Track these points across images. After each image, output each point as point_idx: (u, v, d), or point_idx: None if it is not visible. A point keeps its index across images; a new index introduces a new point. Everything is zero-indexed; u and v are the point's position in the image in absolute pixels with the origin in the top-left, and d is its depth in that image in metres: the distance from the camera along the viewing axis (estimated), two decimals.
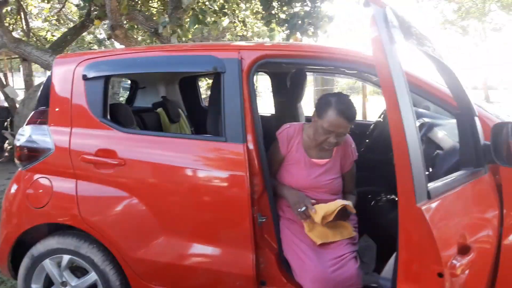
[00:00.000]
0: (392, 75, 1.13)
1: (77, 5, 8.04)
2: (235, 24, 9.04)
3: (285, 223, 2.00)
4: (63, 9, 10.34)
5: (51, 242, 2.18)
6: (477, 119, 1.65)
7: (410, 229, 1.25)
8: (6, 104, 8.16)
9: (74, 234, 2.16)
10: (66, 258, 2.16)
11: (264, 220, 1.94)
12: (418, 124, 2.44)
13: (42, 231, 2.24)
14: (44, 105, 2.23)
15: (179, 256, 2.03)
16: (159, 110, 3.26)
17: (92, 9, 6.20)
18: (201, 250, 2.02)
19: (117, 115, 2.35)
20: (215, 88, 2.11)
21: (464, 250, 1.36)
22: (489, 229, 1.61)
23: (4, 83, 8.53)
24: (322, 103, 1.89)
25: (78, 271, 2.24)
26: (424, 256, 1.27)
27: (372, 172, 2.69)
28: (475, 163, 1.64)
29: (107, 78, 2.15)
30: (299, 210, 1.88)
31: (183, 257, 2.03)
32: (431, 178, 1.56)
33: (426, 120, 2.43)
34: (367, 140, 3.10)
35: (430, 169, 2.09)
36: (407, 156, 1.16)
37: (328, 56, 1.99)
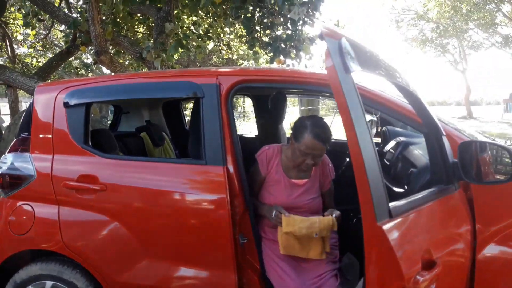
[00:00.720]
0: (347, 102, 1.21)
1: (61, 31, 8.10)
2: (220, 48, 9.19)
3: (266, 244, 2.03)
4: (49, 35, 10.40)
5: (34, 269, 2.17)
6: (445, 138, 1.72)
7: (373, 247, 1.30)
8: None
9: (57, 260, 2.16)
10: (49, 284, 2.15)
11: (245, 241, 1.97)
12: (394, 143, 2.52)
13: (25, 257, 2.23)
14: (25, 132, 2.25)
15: (162, 279, 2.04)
16: (143, 134, 3.29)
17: (77, 35, 6.27)
18: (184, 272, 2.03)
19: (99, 141, 2.39)
20: (195, 113, 2.16)
21: (430, 265, 1.41)
22: (460, 244, 1.66)
23: None
24: (298, 127, 1.96)
25: None
26: (388, 272, 1.32)
27: (354, 190, 2.74)
28: (445, 180, 1.71)
29: (88, 106, 2.19)
30: (272, 217, 1.92)
31: (167, 280, 2.04)
32: (405, 195, 1.62)
33: (402, 139, 2.50)
34: (347, 159, 3.17)
35: (406, 187, 2.16)
36: (365, 177, 1.22)
37: (302, 80, 2.07)
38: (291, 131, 2.04)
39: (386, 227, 1.30)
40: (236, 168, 1.96)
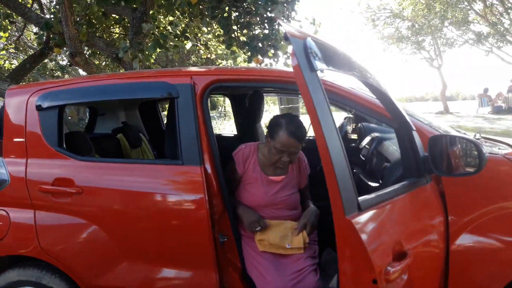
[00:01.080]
0: (313, 99, 1.24)
1: (35, 34, 7.94)
2: (198, 48, 9.15)
3: (246, 242, 2.05)
4: (22, 36, 10.15)
5: (12, 275, 2.14)
6: (415, 133, 1.77)
7: (344, 240, 1.34)
8: None
9: (35, 265, 2.13)
10: None
11: (225, 239, 1.98)
12: (369, 138, 2.58)
13: (3, 263, 2.19)
14: None
15: (143, 281, 2.03)
16: (119, 135, 3.26)
17: (51, 36, 6.15)
18: (165, 273, 2.03)
19: (75, 144, 2.36)
20: (171, 113, 2.16)
21: (401, 256, 1.45)
22: (433, 235, 1.71)
23: None
24: (273, 125, 1.99)
25: None
26: (359, 264, 1.36)
27: None
28: (416, 174, 1.76)
29: (61, 108, 2.16)
30: (254, 229, 1.95)
31: (147, 281, 2.03)
32: (379, 189, 1.66)
33: (376, 134, 2.55)
34: None
35: (380, 181, 2.21)
36: (332, 172, 1.25)
37: (278, 79, 2.09)
38: (266, 131, 2.06)
39: (354, 220, 1.33)
40: (214, 167, 1.97)
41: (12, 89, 2.32)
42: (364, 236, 1.33)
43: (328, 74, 2.05)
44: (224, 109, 18.75)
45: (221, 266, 1.98)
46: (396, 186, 1.65)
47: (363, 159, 2.61)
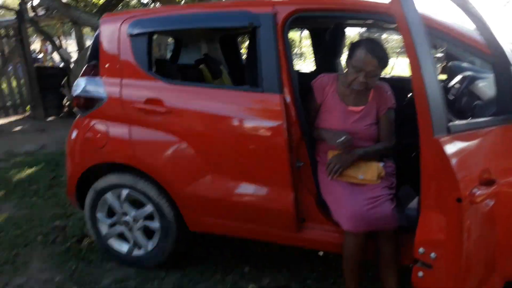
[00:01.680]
0: (408, 23, 1.18)
1: None
2: None
3: (322, 169, 2.08)
4: None
5: (111, 178, 2.43)
6: None
7: (429, 160, 1.32)
8: (62, 65, 8.67)
9: (131, 172, 2.37)
10: (124, 192, 2.40)
11: (301, 164, 2.04)
12: (460, 77, 2.41)
13: (103, 169, 2.47)
14: (95, 59, 2.40)
15: (225, 193, 2.18)
16: (202, 66, 3.36)
17: None
18: (245, 188, 2.16)
19: (162, 70, 2.50)
20: (252, 42, 2.18)
21: (488, 183, 1.40)
22: None
23: (59, 46, 9.00)
24: (353, 45, 1.96)
25: (136, 204, 2.46)
26: (443, 183, 1.33)
27: (413, 125, 2.68)
28: (510, 109, 1.64)
29: (150, 35, 2.28)
30: (338, 140, 1.91)
31: (229, 193, 2.18)
32: None
33: (469, 73, 2.38)
34: (410, 94, 3.07)
35: (470, 119, 2.09)
36: (423, 90, 1.22)
37: (365, 8, 1.98)
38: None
39: (442, 140, 1.31)
40: (293, 96, 1.99)
41: (105, 16, 2.48)
42: (451, 157, 1.30)
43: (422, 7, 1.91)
44: (300, 49, 18.28)
45: (298, 187, 2.05)
46: (489, 118, 1.57)
47: (452, 98, 2.45)
